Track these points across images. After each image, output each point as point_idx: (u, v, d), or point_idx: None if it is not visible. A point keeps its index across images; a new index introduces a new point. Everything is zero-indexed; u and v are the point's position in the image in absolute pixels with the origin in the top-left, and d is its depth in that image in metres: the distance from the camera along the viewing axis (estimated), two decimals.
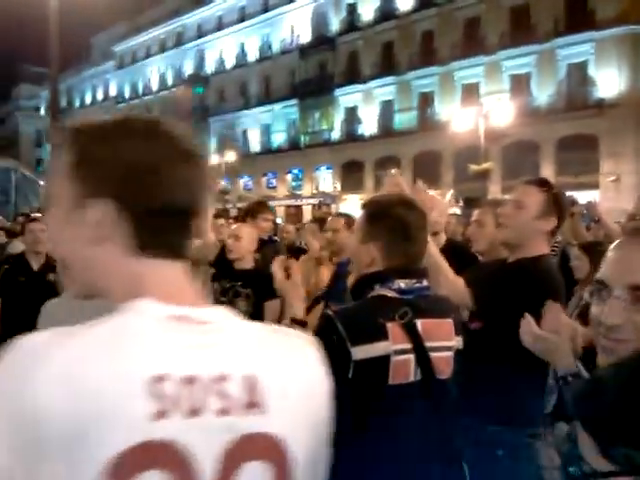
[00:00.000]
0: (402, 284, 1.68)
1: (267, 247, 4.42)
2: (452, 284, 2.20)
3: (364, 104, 33.42)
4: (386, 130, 32.01)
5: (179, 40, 46.21)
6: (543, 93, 26.54)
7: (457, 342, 1.77)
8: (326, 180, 35.27)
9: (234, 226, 4.18)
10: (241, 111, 40.33)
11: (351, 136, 33.76)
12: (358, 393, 1.60)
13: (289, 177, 37.56)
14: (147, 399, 0.70)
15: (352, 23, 33.90)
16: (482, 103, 26.23)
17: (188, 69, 45.26)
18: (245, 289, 3.66)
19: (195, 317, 0.78)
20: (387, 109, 32.49)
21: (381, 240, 1.71)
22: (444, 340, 1.73)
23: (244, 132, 40.64)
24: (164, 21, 47.16)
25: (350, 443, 1.56)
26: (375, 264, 1.72)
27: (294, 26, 37.31)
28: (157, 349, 0.74)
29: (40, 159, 54.72)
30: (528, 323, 1.70)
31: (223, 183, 36.46)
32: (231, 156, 35.36)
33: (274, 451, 0.79)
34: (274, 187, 37.78)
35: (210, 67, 43.50)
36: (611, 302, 1.04)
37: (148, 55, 49.24)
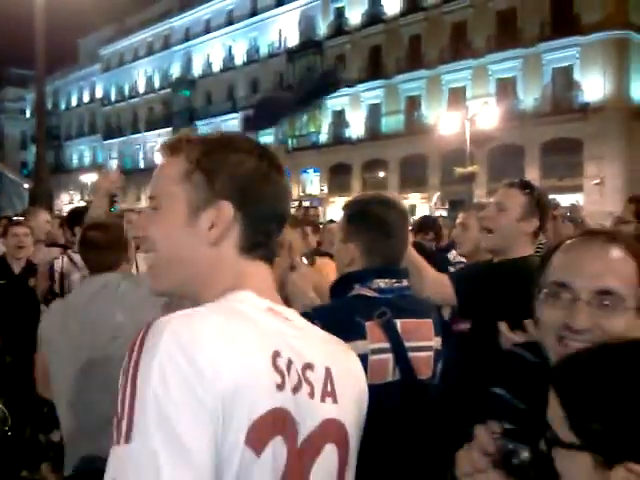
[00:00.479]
0: (381, 284, 1.67)
1: None
2: (435, 282, 2.17)
3: (351, 107, 33.51)
4: (373, 133, 32.12)
5: (166, 43, 46.09)
6: (528, 97, 26.77)
7: (436, 342, 1.76)
8: (313, 183, 35.30)
9: None
10: (228, 114, 40.25)
11: (338, 139, 33.84)
12: None
13: None
14: (272, 371, 0.80)
15: (339, 27, 34.00)
16: (468, 107, 26.42)
17: (175, 72, 45.15)
18: None
19: (282, 312, 0.90)
20: (374, 112, 32.62)
21: (361, 239, 1.70)
22: (424, 340, 1.72)
23: None
24: (152, 24, 47.03)
25: None
26: (355, 264, 1.71)
27: (282, 30, 37.36)
28: (269, 331, 0.84)
29: (25, 162, 54.25)
30: (505, 333, 1.75)
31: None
32: None
33: (341, 436, 0.91)
34: None
35: (197, 70, 43.41)
36: (579, 306, 1.02)
37: (135, 58, 49.05)
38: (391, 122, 31.55)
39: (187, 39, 43.97)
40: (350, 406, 0.94)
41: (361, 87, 32.68)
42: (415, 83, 30.64)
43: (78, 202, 47.96)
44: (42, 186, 12.98)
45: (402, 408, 1.65)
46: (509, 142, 25.88)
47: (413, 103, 30.97)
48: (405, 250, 1.79)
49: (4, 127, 61.64)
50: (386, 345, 1.61)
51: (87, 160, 54.13)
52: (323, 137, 34.93)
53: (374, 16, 32.30)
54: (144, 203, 44.57)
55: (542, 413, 0.78)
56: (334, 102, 34.21)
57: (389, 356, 1.62)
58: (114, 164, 50.99)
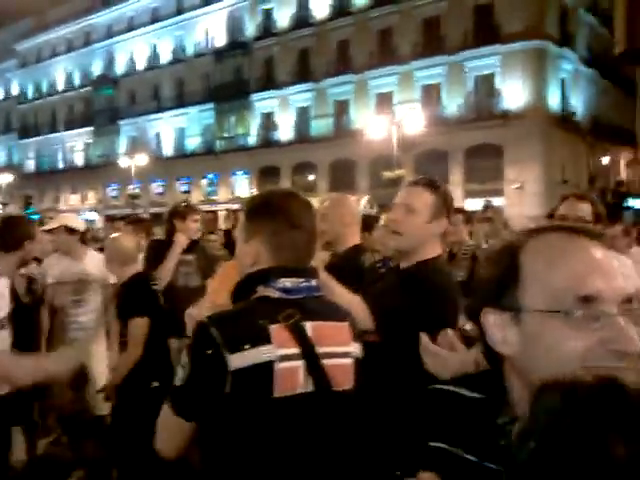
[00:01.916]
0: (288, 283, 1.48)
1: (197, 248, 4.52)
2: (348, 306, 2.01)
3: (280, 110, 33.38)
4: (302, 136, 32.11)
5: (87, 40, 44.43)
6: (452, 103, 27.50)
7: (356, 349, 1.56)
8: (242, 185, 34.89)
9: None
10: (154, 114, 39.23)
11: (267, 142, 33.62)
12: (237, 411, 1.37)
13: (204, 182, 36.87)
14: None
15: (268, 29, 33.81)
16: (395, 112, 26.83)
17: (97, 70, 43.57)
18: None
19: None
20: (303, 115, 32.61)
21: (262, 233, 1.51)
22: (339, 345, 1.52)
23: (157, 135, 39.54)
24: (72, 20, 45.22)
25: (230, 467, 1.41)
26: (259, 263, 1.51)
27: (208, 29, 36.78)
28: None
29: None
30: (426, 344, 1.64)
31: (133, 187, 35.27)
32: (142, 159, 34.21)
33: None
34: (188, 192, 36.94)
35: (120, 68, 42.07)
36: (622, 324, 0.79)
37: (54, 54, 46.99)
38: (320, 125, 31.65)
39: (109, 36, 42.54)
40: None
41: (290, 90, 32.62)
42: (344, 87, 30.86)
43: None
44: None
45: (317, 423, 1.45)
46: (434, 147, 26.50)
47: (342, 107, 31.18)
48: (314, 245, 1.59)
49: None
50: (295, 351, 1.41)
51: (1, 160, 51.42)
52: (252, 139, 34.62)
53: (302, 19, 32.33)
54: (62, 204, 42.73)
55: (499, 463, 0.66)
56: (263, 104, 34.01)
57: (299, 363, 1.42)
58: (31, 164, 48.67)
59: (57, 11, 47.50)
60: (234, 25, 35.50)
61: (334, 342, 1.50)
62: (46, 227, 4.14)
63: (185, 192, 36.83)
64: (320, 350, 1.45)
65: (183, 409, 1.39)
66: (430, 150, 26.56)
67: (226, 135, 35.63)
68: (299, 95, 32.59)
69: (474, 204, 16.09)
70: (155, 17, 39.71)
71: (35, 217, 6.57)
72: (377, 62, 29.25)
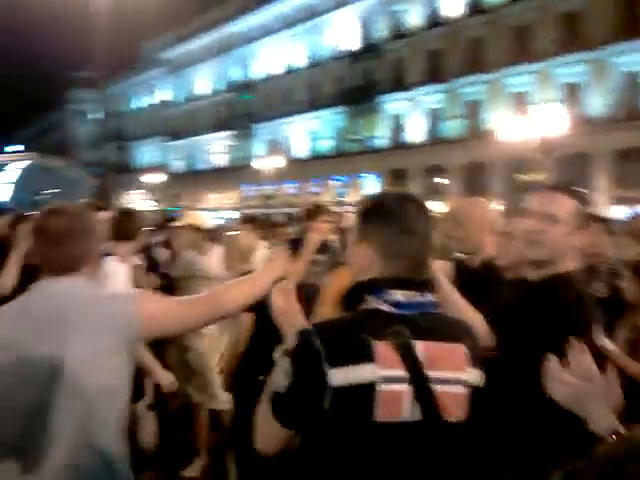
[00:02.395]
0: (400, 296, 1.37)
1: (329, 249, 4.53)
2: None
3: (410, 112, 33.25)
4: (433, 138, 31.78)
5: (227, 47, 46.83)
6: (596, 102, 25.90)
7: (473, 376, 1.41)
8: (371, 188, 35.22)
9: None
10: (288, 117, 40.65)
11: (397, 144, 33.63)
12: (336, 429, 1.30)
13: (334, 184, 37.69)
14: None
15: (398, 30, 33.74)
16: (532, 112, 25.79)
17: (236, 76, 45.86)
18: None
19: None
20: (434, 117, 32.26)
21: (377, 239, 1.42)
22: (452, 370, 1.37)
23: (291, 138, 40.97)
24: (213, 28, 47.86)
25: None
26: (372, 269, 1.42)
27: (342, 33, 37.36)
28: None
29: (90, 161, 56.32)
30: (553, 366, 1.45)
31: (268, 188, 36.84)
32: (277, 161, 35.68)
33: None
34: (318, 193, 37.97)
35: (258, 74, 43.98)
36: None
37: (198, 61, 50.06)
38: (452, 127, 31.15)
39: (248, 42, 44.56)
40: None
41: (421, 91, 32.38)
42: (476, 87, 30.12)
43: (142, 201, 49.50)
44: (101, 184, 13.75)
45: (421, 455, 1.34)
46: (576, 150, 25.07)
47: (474, 107, 30.47)
48: (429, 254, 1.47)
49: (72, 128, 64.09)
50: (401, 373, 1.30)
51: (153, 161, 55.61)
52: (382, 141, 34.78)
53: (434, 19, 31.91)
54: (205, 203, 45.58)
55: None
56: (393, 106, 34.05)
57: (404, 388, 1.31)
58: (178, 165, 52.32)
59: (200, 21, 50.46)
60: (366, 28, 35.80)
61: (447, 366, 1.36)
62: (175, 224, 4.47)
63: (315, 193, 37.88)
64: (430, 374, 1.32)
65: (282, 417, 1.35)
66: (571, 153, 25.20)
67: (356, 137, 36.11)
68: (430, 96, 32.26)
69: (621, 212, 15.07)
70: (291, 23, 40.97)
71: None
72: (512, 60, 28.21)
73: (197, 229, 4.56)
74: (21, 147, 53.28)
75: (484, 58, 29.68)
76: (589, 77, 26.16)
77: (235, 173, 43.55)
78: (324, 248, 4.22)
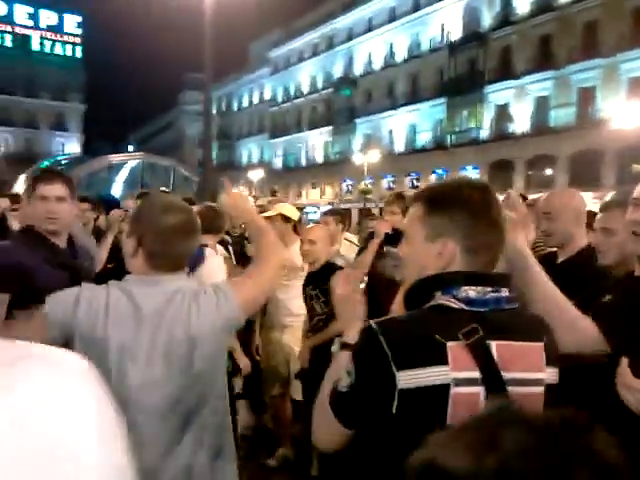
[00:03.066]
0: (472, 292, 1.27)
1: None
2: (573, 326, 1.66)
3: (516, 101, 31.85)
4: (540, 128, 30.23)
5: (330, 44, 47.26)
6: None
7: (550, 375, 1.32)
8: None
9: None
10: (388, 111, 40.33)
11: (501, 134, 32.33)
12: (405, 434, 1.19)
13: (433, 177, 36.88)
14: None
15: (506, 17, 32.44)
16: None
17: (338, 72, 46.14)
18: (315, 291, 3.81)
19: None
20: (542, 105, 30.68)
21: (458, 229, 1.30)
22: (530, 371, 1.29)
23: (390, 132, 40.59)
24: (316, 26, 48.51)
25: None
26: (451, 265, 1.32)
27: (444, 24, 36.55)
28: None
29: (199, 160, 58.94)
30: (624, 370, 1.37)
31: (365, 182, 36.69)
32: (374, 155, 35.44)
33: None
34: (417, 187, 37.30)
35: (358, 69, 43.98)
36: None
37: (301, 59, 50.95)
38: (561, 115, 29.46)
39: (350, 38, 44.71)
40: None
41: (528, 79, 30.93)
42: (589, 73, 28.29)
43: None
44: (208, 181, 14.23)
45: None
46: None
47: (587, 94, 28.62)
48: (502, 246, 1.37)
49: (184, 128, 67.36)
50: (476, 375, 1.22)
51: (255, 158, 57.31)
52: (484, 132, 33.59)
53: (544, 4, 30.35)
54: (304, 199, 46.24)
55: None
56: (498, 96, 32.80)
57: (480, 390, 1.22)
58: (278, 161, 53.51)
59: (303, 19, 51.33)
60: (470, 17, 34.75)
61: (524, 367, 1.28)
62: (265, 214, 4.32)
63: (414, 187, 37.23)
64: (506, 375, 1.24)
65: (345, 417, 1.29)
66: None
67: (457, 129, 35.12)
68: (538, 84, 30.72)
69: None
70: (392, 16, 40.66)
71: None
72: (629, 44, 26.21)
73: (287, 219, 4.46)
74: (131, 147, 56.63)
75: (598, 42, 27.85)
76: None
77: (334, 168, 43.81)
78: (394, 239, 4.08)
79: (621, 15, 26.70)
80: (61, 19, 57.98)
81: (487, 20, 33.71)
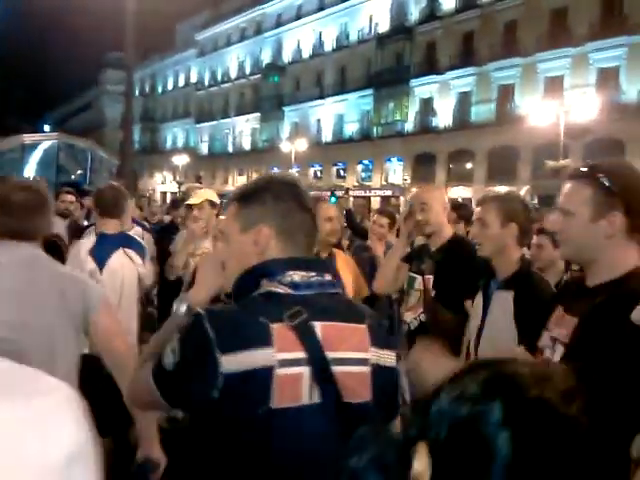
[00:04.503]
0: (296, 277, 1.30)
1: None
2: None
3: (440, 95, 32.65)
4: (462, 122, 31.15)
5: (259, 29, 46.70)
6: (633, 88, 24.98)
7: (376, 355, 1.33)
8: (396, 172, 34.76)
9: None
10: (316, 100, 40.36)
11: (425, 128, 33.09)
12: (227, 421, 1.22)
13: (359, 168, 37.31)
14: None
15: (432, 12, 33.10)
16: (566, 97, 25.02)
17: (266, 58, 45.69)
18: None
19: None
20: (464, 101, 31.61)
21: (271, 216, 1.35)
22: (354, 351, 1.30)
23: (318, 121, 40.66)
24: (245, 10, 47.78)
25: (217, 473, 1.26)
26: (268, 251, 1.34)
27: (373, 15, 36.86)
28: None
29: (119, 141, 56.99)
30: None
31: (292, 171, 36.66)
32: (302, 144, 35.43)
33: None
34: (343, 177, 37.65)
35: (287, 56, 43.72)
36: None
37: (229, 43, 50.09)
38: (482, 111, 30.47)
39: (279, 25, 44.33)
40: None
41: (451, 74, 31.76)
42: (509, 71, 29.38)
43: (170, 182, 49.81)
44: (127, 165, 13.80)
45: (321, 441, 1.24)
46: (608, 136, 24.28)
47: (506, 92, 29.74)
48: (316, 228, 1.43)
49: (105, 108, 64.79)
50: (301, 355, 1.23)
51: (180, 142, 56.02)
52: (409, 125, 34.28)
53: (468, 1, 31.19)
54: (230, 185, 45.69)
55: None
56: (423, 89, 33.49)
57: (304, 370, 1.23)
58: (204, 147, 52.53)
59: (232, 2, 50.41)
60: (398, 10, 35.21)
61: (348, 347, 1.30)
62: (191, 201, 4.17)
63: (340, 177, 37.57)
64: (331, 355, 1.26)
65: (167, 395, 1.29)
66: (603, 139, 24.40)
67: (383, 121, 35.64)
68: (461, 80, 31.61)
69: None
70: (322, 4, 40.61)
71: None
72: (548, 44, 27.39)
73: (214, 205, 4.27)
74: (47, 127, 54.05)
75: (518, 41, 28.94)
76: (627, 61, 25.25)
77: (262, 155, 43.52)
78: None
79: (540, 16, 27.83)
80: None
81: (414, 14, 34.27)
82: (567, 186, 1.64)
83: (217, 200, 4.36)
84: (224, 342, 1.20)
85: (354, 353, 1.30)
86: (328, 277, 1.36)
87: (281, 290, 1.29)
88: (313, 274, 1.33)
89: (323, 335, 1.26)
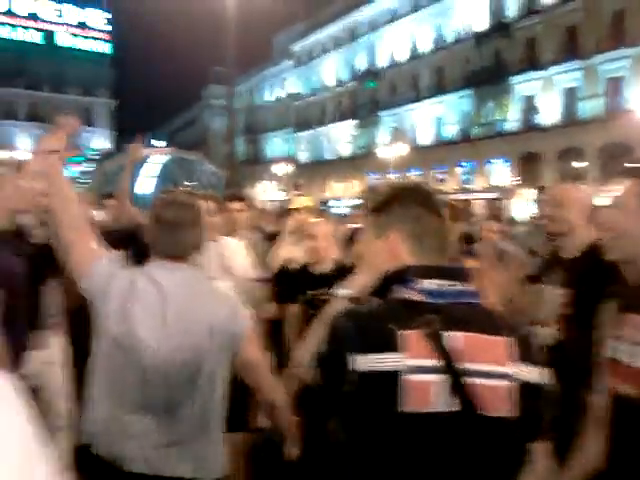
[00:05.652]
0: (430, 285, 1.33)
1: None
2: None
3: (543, 92, 31.37)
4: (569, 119, 29.75)
5: (353, 35, 46.96)
6: None
7: (519, 371, 1.30)
8: (500, 173, 33.71)
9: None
10: (412, 104, 40.03)
11: (528, 126, 31.88)
12: (358, 417, 1.30)
13: (459, 170, 36.55)
14: None
15: (531, 7, 31.89)
16: None
17: (361, 64, 45.88)
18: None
19: None
20: (570, 97, 30.17)
21: (403, 222, 1.41)
22: (492, 363, 1.29)
23: (415, 125, 40.30)
24: (338, 17, 48.21)
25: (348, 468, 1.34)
26: (400, 257, 1.40)
27: (469, 14, 36.06)
28: None
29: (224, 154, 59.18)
30: None
31: (391, 177, 36.52)
32: (400, 149, 35.26)
33: None
34: (443, 180, 37.03)
35: (382, 61, 43.69)
36: None
37: (323, 52, 50.74)
38: (590, 107, 28.95)
39: (373, 30, 44.36)
40: None
41: (555, 69, 30.43)
42: (618, 63, 27.73)
43: (271, 191, 51.19)
44: (234, 176, 14.53)
45: (452, 448, 1.27)
46: None
47: (615, 85, 28.08)
48: (448, 232, 1.46)
49: (209, 122, 67.65)
50: (431, 363, 1.26)
51: (280, 152, 57.32)
52: (511, 125, 33.16)
53: None
54: (328, 193, 46.23)
55: None
56: (524, 87, 32.35)
57: (434, 377, 1.26)
58: (303, 155, 53.51)
59: (325, 11, 51.05)
60: (496, 7, 34.24)
61: (484, 359, 1.29)
62: (290, 208, 4.39)
63: (440, 180, 36.98)
64: (467, 366, 1.26)
65: (320, 373, 1.40)
66: None
67: (484, 121, 34.73)
68: (565, 75, 30.22)
69: None
70: (415, 6, 40.20)
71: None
72: None
73: (310, 209, 4.59)
74: (163, 143, 57.15)
75: (627, 31, 27.26)
76: None
77: (359, 162, 43.71)
78: None
79: None
80: (90, 16, 58.76)
81: (512, 10, 33.15)
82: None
83: (315, 205, 4.64)
84: (358, 342, 1.28)
85: (490, 366, 1.29)
86: (467, 286, 1.37)
87: (415, 297, 1.33)
88: (449, 282, 1.35)
89: (456, 345, 1.27)
